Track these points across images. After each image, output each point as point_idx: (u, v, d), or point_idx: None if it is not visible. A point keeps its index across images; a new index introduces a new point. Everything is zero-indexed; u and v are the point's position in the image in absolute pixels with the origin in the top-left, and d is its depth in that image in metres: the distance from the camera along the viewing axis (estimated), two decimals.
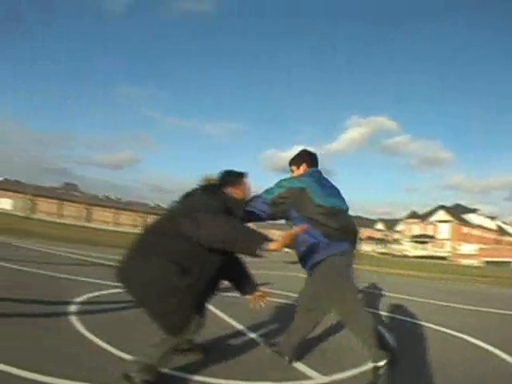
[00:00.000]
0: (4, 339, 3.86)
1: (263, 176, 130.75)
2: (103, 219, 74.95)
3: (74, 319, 4.83)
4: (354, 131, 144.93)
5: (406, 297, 10.44)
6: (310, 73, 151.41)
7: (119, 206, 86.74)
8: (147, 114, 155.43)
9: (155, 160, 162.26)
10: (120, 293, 6.83)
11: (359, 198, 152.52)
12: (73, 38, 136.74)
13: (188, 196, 3.37)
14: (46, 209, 72.21)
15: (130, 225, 77.41)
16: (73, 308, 5.39)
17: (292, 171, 4.19)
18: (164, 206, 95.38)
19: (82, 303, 5.79)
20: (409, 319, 7.31)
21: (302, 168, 4.10)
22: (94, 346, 4.04)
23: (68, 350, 3.83)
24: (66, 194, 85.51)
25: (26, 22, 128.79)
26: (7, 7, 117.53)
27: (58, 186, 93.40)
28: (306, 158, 4.16)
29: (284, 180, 3.93)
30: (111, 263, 11.38)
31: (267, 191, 3.83)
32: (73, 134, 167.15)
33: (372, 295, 10.05)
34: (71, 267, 9.65)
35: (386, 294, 10.59)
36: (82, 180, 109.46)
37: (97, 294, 6.66)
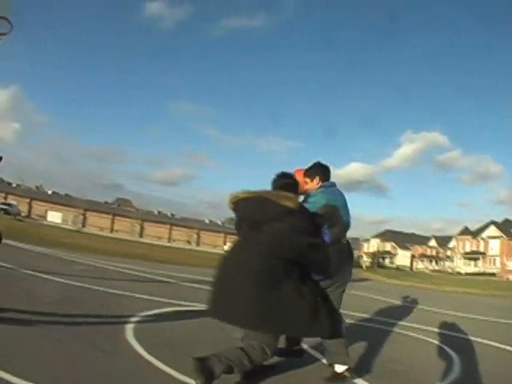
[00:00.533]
0: (59, 361, 3.67)
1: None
2: (157, 235, 76.28)
3: (131, 339, 4.66)
4: (408, 147, 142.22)
5: (468, 315, 10.29)
6: (365, 89, 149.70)
7: (173, 222, 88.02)
8: (204, 131, 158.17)
9: (211, 177, 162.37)
10: (176, 311, 6.81)
11: (413, 215, 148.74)
12: (128, 54, 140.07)
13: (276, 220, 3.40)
14: (97, 223, 74.13)
15: (184, 240, 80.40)
16: (129, 327, 5.22)
17: (305, 183, 4.31)
18: (219, 222, 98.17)
19: (139, 322, 5.62)
20: (472, 338, 7.12)
21: (315, 181, 4.27)
22: (154, 368, 3.83)
23: (127, 373, 3.65)
24: (119, 209, 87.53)
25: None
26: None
27: (110, 201, 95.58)
28: (320, 171, 4.32)
29: (316, 196, 4.13)
30: (167, 279, 11.42)
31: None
32: (127, 149, 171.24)
33: (432, 313, 10.12)
34: (125, 283, 9.55)
35: (449, 312, 10.46)
36: (136, 196, 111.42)
37: (154, 311, 6.48)
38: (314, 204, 3.96)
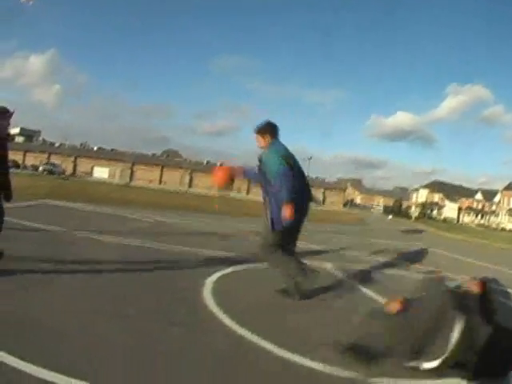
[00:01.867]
0: (128, 345, 3.11)
1: (370, 142, 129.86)
2: (207, 184, 76.21)
3: (212, 306, 4.22)
4: (453, 99, 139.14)
5: None
6: (411, 39, 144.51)
7: None
8: (247, 83, 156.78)
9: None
10: (252, 269, 6.22)
11: (460, 167, 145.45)
12: (169, 12, 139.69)
13: None
14: (145, 176, 74.92)
15: (235, 190, 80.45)
16: (207, 291, 4.73)
17: (257, 139, 5.16)
18: None
19: (216, 283, 5.13)
20: None
21: (266, 138, 5.06)
22: (247, 343, 3.37)
23: (217, 353, 3.14)
24: (167, 160, 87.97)
25: None
26: None
27: (158, 154, 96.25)
28: (269, 129, 5.12)
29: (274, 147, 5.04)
30: (232, 232, 10.98)
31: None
32: (174, 105, 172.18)
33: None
34: (189, 238, 9.00)
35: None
36: (184, 148, 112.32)
37: (229, 270, 5.96)
38: (276, 153, 4.87)
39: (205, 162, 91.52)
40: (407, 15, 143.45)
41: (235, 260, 6.62)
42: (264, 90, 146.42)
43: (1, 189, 4.43)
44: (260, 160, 5.03)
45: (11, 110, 4.71)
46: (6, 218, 4.60)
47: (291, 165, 4.83)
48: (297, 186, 4.70)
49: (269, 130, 5.10)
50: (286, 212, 4.43)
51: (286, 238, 4.91)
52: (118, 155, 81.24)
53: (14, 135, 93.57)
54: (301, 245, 6.10)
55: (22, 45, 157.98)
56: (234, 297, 4.73)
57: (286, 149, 5.02)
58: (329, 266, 7.12)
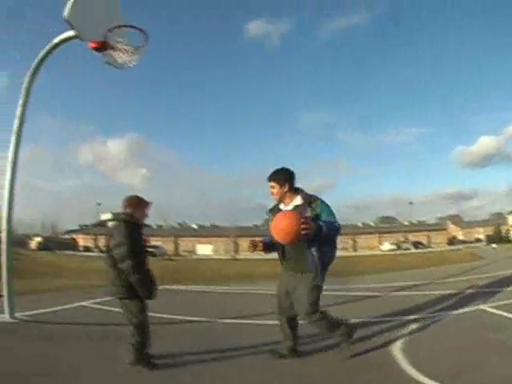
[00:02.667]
0: None
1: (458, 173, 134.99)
2: None
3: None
4: None
5: None
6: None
7: None
8: (335, 136, 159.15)
9: (350, 181, 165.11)
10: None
11: None
12: (244, 77, 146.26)
13: None
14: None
15: (340, 248, 78.67)
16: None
17: (272, 187, 4.73)
18: (371, 224, 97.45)
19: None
20: None
21: (284, 188, 4.66)
22: None
23: None
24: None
25: None
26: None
27: (260, 224, 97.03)
28: (289, 177, 4.73)
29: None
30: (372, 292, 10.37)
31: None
32: (264, 171, 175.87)
33: None
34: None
35: None
36: None
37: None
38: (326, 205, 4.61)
39: None
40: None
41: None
42: (351, 139, 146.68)
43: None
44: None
45: (148, 201, 4.91)
46: None
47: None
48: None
49: (289, 177, 4.74)
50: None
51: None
52: (220, 230, 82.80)
53: (106, 221, 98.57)
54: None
55: (102, 129, 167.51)
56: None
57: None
58: None
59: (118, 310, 6.63)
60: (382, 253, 65.61)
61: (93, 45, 6.71)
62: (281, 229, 4.26)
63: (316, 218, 4.38)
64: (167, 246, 75.87)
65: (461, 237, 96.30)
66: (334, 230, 4.45)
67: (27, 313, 7.30)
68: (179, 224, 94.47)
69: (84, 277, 16.47)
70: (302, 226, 4.09)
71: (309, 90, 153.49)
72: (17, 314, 6.95)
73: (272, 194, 4.74)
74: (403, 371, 3.92)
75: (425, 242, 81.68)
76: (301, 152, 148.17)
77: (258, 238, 4.79)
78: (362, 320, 6.50)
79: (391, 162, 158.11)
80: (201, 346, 5.33)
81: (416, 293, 9.84)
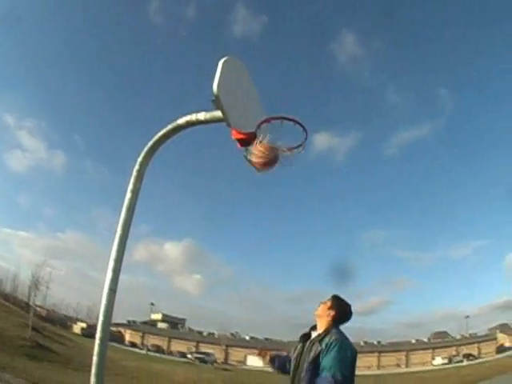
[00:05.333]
0: None
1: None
2: (366, 364, 75.16)
3: None
4: None
5: None
6: None
7: (380, 348, 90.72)
8: (398, 254, 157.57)
9: (406, 297, 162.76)
10: None
11: None
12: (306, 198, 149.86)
13: None
14: None
15: (393, 365, 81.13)
16: None
17: (320, 305, 4.20)
18: (425, 340, 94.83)
19: None
20: None
21: (330, 315, 4.07)
22: None
23: None
24: None
25: None
26: None
27: None
28: (340, 310, 4.12)
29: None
30: None
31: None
32: (324, 287, 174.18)
33: None
34: None
35: None
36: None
37: None
38: (345, 353, 3.74)
39: (362, 342, 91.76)
40: None
41: None
42: (411, 258, 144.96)
43: None
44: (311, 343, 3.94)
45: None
46: None
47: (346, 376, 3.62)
48: None
49: (339, 307, 4.14)
50: None
51: None
52: (273, 344, 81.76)
53: (156, 321, 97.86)
54: None
55: (158, 230, 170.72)
56: None
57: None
58: None
59: None
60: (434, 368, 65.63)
61: (239, 135, 5.39)
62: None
63: (315, 359, 3.76)
64: (218, 353, 74.94)
65: (507, 344, 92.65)
66: None
67: None
68: (231, 334, 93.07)
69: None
70: None
71: (369, 207, 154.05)
72: None
73: (315, 310, 4.26)
74: None
75: (475, 353, 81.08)
76: (359, 269, 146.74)
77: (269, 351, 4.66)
78: None
79: (445, 276, 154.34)
80: None
81: None
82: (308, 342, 4.00)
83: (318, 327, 4.13)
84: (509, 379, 16.60)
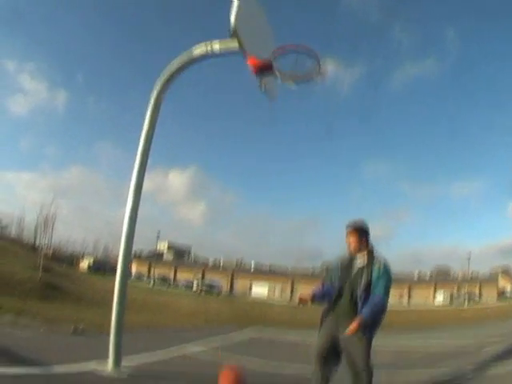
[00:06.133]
0: None
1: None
2: None
3: None
4: None
5: None
6: None
7: None
8: (396, 186, 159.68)
9: (409, 230, 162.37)
10: None
11: None
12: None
13: None
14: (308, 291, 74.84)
15: (396, 298, 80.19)
16: None
17: (352, 237, 4.59)
18: (426, 274, 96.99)
19: None
20: None
21: (363, 242, 4.58)
22: None
23: None
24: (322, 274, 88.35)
25: None
26: None
27: (317, 268, 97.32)
28: (368, 232, 4.67)
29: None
30: None
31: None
32: (324, 215, 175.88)
33: None
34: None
35: None
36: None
37: None
38: (388, 276, 4.43)
39: None
40: None
41: None
42: (412, 191, 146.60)
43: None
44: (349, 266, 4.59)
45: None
46: None
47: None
48: None
49: (368, 232, 4.68)
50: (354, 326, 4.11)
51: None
52: (277, 271, 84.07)
53: (162, 250, 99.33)
54: None
55: (162, 160, 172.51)
56: None
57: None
58: None
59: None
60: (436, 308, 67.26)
61: (256, 62, 5.58)
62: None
63: (368, 284, 4.37)
64: (223, 282, 76.42)
65: (509, 288, 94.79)
66: (378, 313, 4.36)
67: (130, 358, 6.22)
68: (236, 261, 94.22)
69: (162, 313, 16.58)
70: None
71: (374, 140, 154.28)
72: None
73: (349, 244, 4.66)
74: None
75: (477, 293, 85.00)
76: (362, 201, 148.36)
77: (306, 293, 4.67)
78: None
79: (450, 212, 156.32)
80: None
81: None
82: (357, 268, 4.49)
83: (356, 254, 4.58)
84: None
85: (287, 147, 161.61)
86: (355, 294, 4.38)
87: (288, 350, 10.46)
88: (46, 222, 28.48)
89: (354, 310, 4.33)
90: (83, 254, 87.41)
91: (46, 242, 34.39)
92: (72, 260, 74.47)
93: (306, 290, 4.98)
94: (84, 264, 75.48)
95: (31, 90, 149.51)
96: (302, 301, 4.62)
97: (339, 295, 4.51)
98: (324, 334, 4.53)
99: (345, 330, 4.22)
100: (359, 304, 4.32)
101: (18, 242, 56.23)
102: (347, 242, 4.66)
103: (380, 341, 4.74)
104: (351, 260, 4.61)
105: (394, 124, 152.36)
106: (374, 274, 4.38)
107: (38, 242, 50.44)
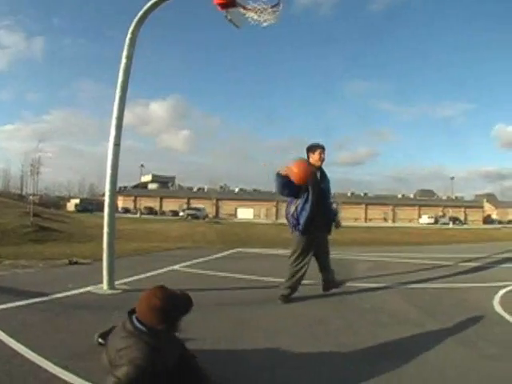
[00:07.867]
0: None
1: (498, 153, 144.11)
2: (353, 216, 79.09)
3: None
4: None
5: None
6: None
7: (367, 201, 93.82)
8: (379, 106, 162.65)
9: (393, 151, 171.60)
10: None
11: None
12: (293, 45, 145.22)
13: None
14: None
15: (380, 218, 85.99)
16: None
17: (308, 157, 6.25)
18: (411, 196, 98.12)
19: None
20: None
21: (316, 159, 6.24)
22: None
23: None
24: None
25: None
26: None
27: None
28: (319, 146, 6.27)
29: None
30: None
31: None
32: (308, 135, 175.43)
33: None
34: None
35: None
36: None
37: None
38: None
39: (349, 193, 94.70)
40: None
41: None
42: (396, 111, 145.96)
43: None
44: (323, 175, 6.29)
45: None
46: None
47: None
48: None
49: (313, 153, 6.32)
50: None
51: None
52: (262, 195, 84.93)
53: (147, 182, 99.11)
54: None
55: (144, 91, 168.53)
56: None
57: None
58: None
59: (212, 273, 7.73)
60: (421, 226, 68.55)
61: (220, 1, 5.94)
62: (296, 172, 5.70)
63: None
64: (208, 208, 77.10)
65: (494, 216, 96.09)
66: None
67: (122, 281, 6.94)
68: (220, 187, 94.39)
69: (151, 240, 17.25)
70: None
71: (356, 58, 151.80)
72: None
73: (323, 160, 6.23)
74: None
75: (462, 218, 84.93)
76: (345, 120, 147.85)
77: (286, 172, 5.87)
78: None
79: (434, 135, 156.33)
80: None
81: None
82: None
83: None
84: (493, 246, 17.47)
85: (269, 68, 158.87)
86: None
87: (273, 259, 11.43)
88: (32, 170, 28.51)
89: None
90: (69, 195, 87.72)
91: (32, 189, 34.62)
92: (59, 203, 74.76)
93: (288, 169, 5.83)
94: (71, 205, 76.18)
95: (10, 44, 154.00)
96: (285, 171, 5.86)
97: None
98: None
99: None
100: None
101: (5, 194, 56.92)
102: (322, 159, 6.19)
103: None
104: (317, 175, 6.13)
105: (375, 43, 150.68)
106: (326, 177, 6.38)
107: (24, 191, 50.68)
